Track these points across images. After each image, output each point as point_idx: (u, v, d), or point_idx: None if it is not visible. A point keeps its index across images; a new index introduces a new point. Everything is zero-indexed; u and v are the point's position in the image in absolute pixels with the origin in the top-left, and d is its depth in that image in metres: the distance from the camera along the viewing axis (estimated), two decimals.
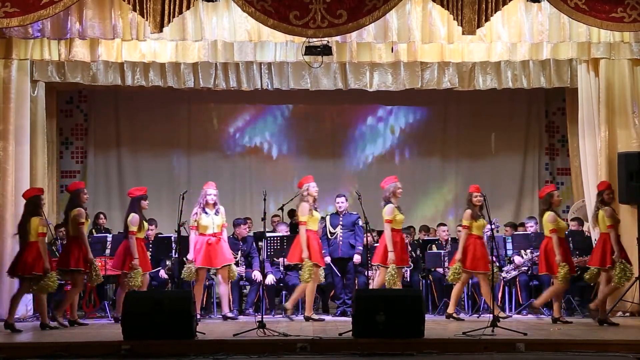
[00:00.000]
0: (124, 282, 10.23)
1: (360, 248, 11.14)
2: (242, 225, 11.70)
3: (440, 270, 11.56)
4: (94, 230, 12.28)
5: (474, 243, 10.40)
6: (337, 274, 11.34)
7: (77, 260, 10.01)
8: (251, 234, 11.97)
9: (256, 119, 14.19)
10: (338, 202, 11.38)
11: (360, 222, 11.05)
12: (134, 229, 10.26)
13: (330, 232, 11.43)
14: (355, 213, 11.24)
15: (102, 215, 12.63)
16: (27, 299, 10.93)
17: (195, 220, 10.54)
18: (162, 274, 11.46)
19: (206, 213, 10.58)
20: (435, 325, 9.73)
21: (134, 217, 10.28)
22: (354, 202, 10.97)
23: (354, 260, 11.24)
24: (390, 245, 10.28)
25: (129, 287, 10.05)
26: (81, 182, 10.71)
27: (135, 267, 10.14)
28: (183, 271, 10.46)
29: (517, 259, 11.45)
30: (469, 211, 10.51)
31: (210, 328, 9.31)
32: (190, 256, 10.49)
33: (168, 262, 11.56)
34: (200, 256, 10.47)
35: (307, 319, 10.43)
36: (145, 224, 10.51)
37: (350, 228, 11.28)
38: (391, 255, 10.25)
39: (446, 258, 11.57)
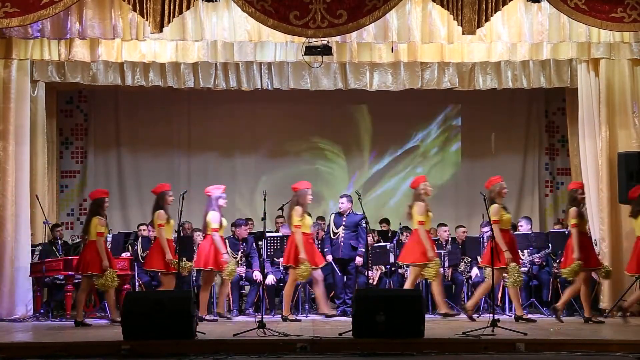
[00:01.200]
0: (208, 277, 10.64)
1: (363, 250, 11.11)
2: (242, 226, 11.71)
3: (440, 270, 11.52)
4: None
5: (585, 241, 10.26)
6: (338, 272, 11.33)
7: (159, 262, 10.28)
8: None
9: (256, 119, 14.17)
10: (339, 203, 11.39)
11: (364, 224, 11.04)
12: (215, 226, 10.46)
13: (332, 232, 11.45)
14: (359, 213, 11.19)
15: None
16: (27, 299, 10.94)
17: (300, 221, 10.52)
18: None
19: (309, 215, 10.75)
20: (435, 325, 9.72)
21: (213, 215, 10.50)
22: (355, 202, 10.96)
23: (356, 261, 11.22)
24: (503, 245, 10.06)
25: (224, 279, 10.58)
26: (167, 184, 10.72)
27: (227, 260, 10.45)
28: (300, 271, 10.43)
29: None
30: (575, 209, 10.24)
31: (210, 328, 9.31)
32: (303, 255, 10.43)
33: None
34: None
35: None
36: (224, 220, 10.72)
37: (353, 229, 11.26)
38: (507, 254, 10.08)
39: (446, 258, 11.57)
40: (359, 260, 11.18)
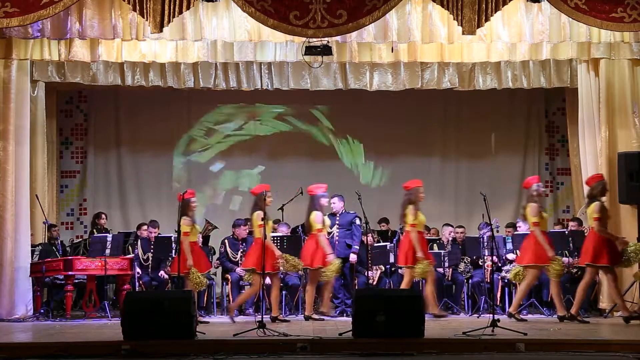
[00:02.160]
0: (314, 276, 10.58)
1: (357, 247, 11.13)
2: (242, 227, 11.71)
3: (440, 270, 11.54)
4: (94, 230, 12.30)
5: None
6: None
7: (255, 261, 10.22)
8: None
9: (256, 119, 14.18)
10: (331, 203, 11.37)
11: (358, 222, 11.05)
12: (319, 226, 10.47)
13: (327, 232, 11.43)
14: (352, 212, 11.22)
15: (103, 215, 12.62)
16: (27, 299, 10.95)
17: (415, 219, 10.45)
18: (162, 274, 11.45)
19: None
20: (435, 325, 9.72)
21: (316, 215, 10.47)
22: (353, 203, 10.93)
23: (350, 259, 11.21)
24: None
25: (322, 278, 10.52)
26: (266, 184, 10.69)
27: (331, 261, 10.41)
28: (418, 270, 10.38)
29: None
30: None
31: (210, 328, 9.31)
32: (420, 254, 10.39)
33: (167, 262, 11.56)
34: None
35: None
36: (327, 219, 10.68)
37: (347, 227, 11.25)
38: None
39: (446, 258, 11.57)
40: (353, 257, 11.17)
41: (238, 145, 14.18)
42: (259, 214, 10.27)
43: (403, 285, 10.54)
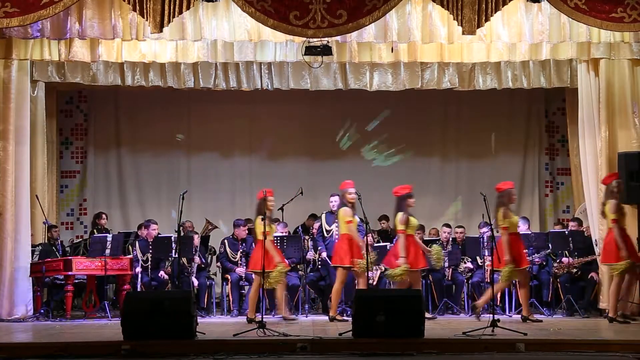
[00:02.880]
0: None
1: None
2: (241, 227, 11.71)
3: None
4: (94, 230, 12.31)
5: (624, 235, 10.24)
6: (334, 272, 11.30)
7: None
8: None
9: (256, 119, 14.18)
10: (331, 201, 11.37)
11: (358, 221, 11.03)
12: (402, 227, 10.38)
13: (325, 231, 11.44)
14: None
15: (103, 215, 12.63)
16: (27, 299, 10.94)
17: (507, 221, 10.28)
18: (162, 274, 11.45)
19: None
20: (435, 325, 9.73)
21: (401, 215, 10.39)
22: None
23: None
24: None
25: (397, 281, 10.45)
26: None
27: (403, 264, 10.33)
28: (505, 273, 10.23)
29: None
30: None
31: (210, 328, 9.31)
32: (508, 257, 10.22)
33: (167, 262, 11.56)
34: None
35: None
36: (413, 220, 10.59)
37: None
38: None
39: (446, 258, 11.56)
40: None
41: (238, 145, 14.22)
42: (260, 218, 10.23)
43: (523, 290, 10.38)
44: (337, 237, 11.22)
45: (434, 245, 11.18)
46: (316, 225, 11.91)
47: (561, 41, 10.58)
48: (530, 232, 11.62)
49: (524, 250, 10.61)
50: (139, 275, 11.36)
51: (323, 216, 11.57)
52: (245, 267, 11.53)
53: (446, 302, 11.49)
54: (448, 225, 12.22)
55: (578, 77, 11.51)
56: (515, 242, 10.27)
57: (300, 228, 12.40)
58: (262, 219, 10.09)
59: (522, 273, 10.27)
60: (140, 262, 11.44)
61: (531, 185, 14.25)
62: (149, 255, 11.48)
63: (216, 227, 12.57)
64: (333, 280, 11.37)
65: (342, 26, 9.65)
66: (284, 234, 11.75)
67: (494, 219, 10.16)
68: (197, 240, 11.65)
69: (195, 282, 11.42)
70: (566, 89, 12.52)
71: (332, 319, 10.37)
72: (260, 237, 10.25)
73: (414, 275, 10.52)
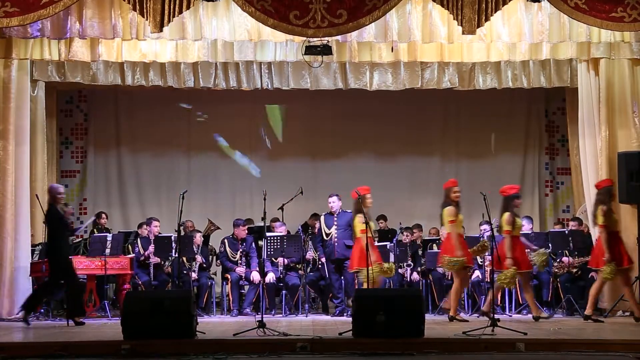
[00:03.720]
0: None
1: None
2: (241, 226, 11.70)
3: (440, 270, 11.54)
4: (95, 230, 12.30)
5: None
6: (334, 273, 11.28)
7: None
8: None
9: (256, 119, 14.18)
10: (330, 202, 11.34)
11: None
12: (508, 228, 10.26)
13: (325, 233, 11.39)
14: (349, 211, 11.18)
15: (103, 215, 12.64)
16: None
17: (605, 220, 10.18)
18: (150, 252, 11.44)
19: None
20: (435, 325, 9.72)
21: (508, 216, 10.27)
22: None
23: None
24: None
25: (501, 285, 10.22)
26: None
27: (510, 265, 10.16)
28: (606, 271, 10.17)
29: None
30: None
31: (210, 328, 9.31)
32: (608, 256, 10.13)
33: (167, 262, 11.56)
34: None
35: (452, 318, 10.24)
36: (519, 220, 10.47)
37: (345, 227, 11.17)
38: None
39: None
40: None
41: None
42: (360, 216, 10.21)
43: (596, 287, 10.28)
44: (337, 239, 11.18)
45: (541, 249, 10.92)
46: (317, 225, 11.89)
47: (561, 41, 10.58)
48: (530, 232, 11.61)
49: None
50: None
51: (322, 218, 11.52)
52: (244, 267, 11.53)
53: (446, 301, 11.47)
54: None
55: (578, 77, 11.52)
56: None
57: (300, 228, 12.39)
58: (362, 217, 10.10)
59: (523, 275, 10.27)
60: (140, 259, 11.45)
61: (531, 185, 14.25)
62: (150, 254, 11.49)
63: (218, 228, 12.56)
64: (333, 281, 11.38)
65: (342, 26, 9.65)
66: (283, 234, 11.75)
67: (497, 224, 10.19)
68: (198, 239, 11.65)
69: (194, 275, 11.40)
70: (566, 88, 12.52)
71: (451, 319, 10.16)
72: (359, 235, 10.24)
73: (524, 277, 10.37)
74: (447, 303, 10.45)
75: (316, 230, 11.87)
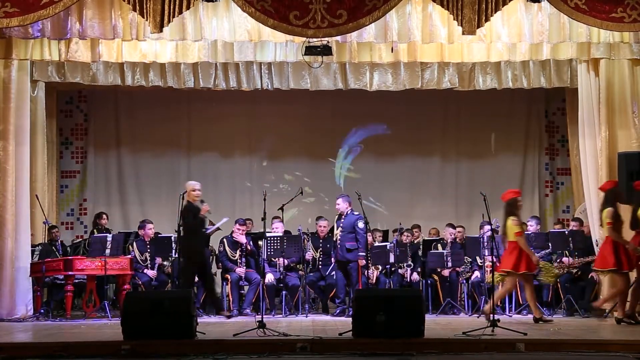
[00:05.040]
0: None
1: (363, 253, 10.95)
2: (239, 226, 11.70)
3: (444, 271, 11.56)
4: (95, 230, 12.30)
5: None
6: (339, 272, 11.30)
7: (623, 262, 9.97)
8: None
9: (256, 119, 14.18)
10: (336, 204, 11.35)
11: (361, 225, 10.99)
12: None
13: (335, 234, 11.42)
14: (357, 214, 11.17)
15: (104, 215, 12.64)
16: (27, 299, 10.95)
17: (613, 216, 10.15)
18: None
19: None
20: (435, 325, 9.72)
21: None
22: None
23: (360, 263, 11.13)
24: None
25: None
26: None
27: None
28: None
29: None
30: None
31: (210, 328, 9.31)
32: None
33: (166, 262, 11.56)
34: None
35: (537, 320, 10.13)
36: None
37: (350, 230, 11.17)
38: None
39: (449, 258, 11.55)
40: (362, 262, 11.07)
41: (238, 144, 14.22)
42: (513, 219, 10.08)
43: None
44: (340, 241, 11.18)
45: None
46: (322, 223, 11.86)
47: (561, 41, 10.58)
48: (530, 232, 11.61)
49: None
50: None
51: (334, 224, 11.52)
52: (244, 267, 11.53)
53: (449, 302, 11.49)
54: (452, 226, 12.19)
55: (578, 77, 11.52)
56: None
57: (300, 228, 12.37)
58: (515, 219, 10.02)
59: (526, 277, 10.25)
60: (139, 261, 11.44)
61: (531, 185, 14.25)
62: (147, 255, 11.50)
63: (219, 228, 12.54)
64: (333, 281, 11.39)
65: (342, 26, 9.65)
66: (283, 234, 11.75)
67: (497, 224, 10.18)
68: None
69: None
70: (566, 89, 12.53)
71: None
72: (512, 238, 10.06)
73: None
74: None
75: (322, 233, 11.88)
